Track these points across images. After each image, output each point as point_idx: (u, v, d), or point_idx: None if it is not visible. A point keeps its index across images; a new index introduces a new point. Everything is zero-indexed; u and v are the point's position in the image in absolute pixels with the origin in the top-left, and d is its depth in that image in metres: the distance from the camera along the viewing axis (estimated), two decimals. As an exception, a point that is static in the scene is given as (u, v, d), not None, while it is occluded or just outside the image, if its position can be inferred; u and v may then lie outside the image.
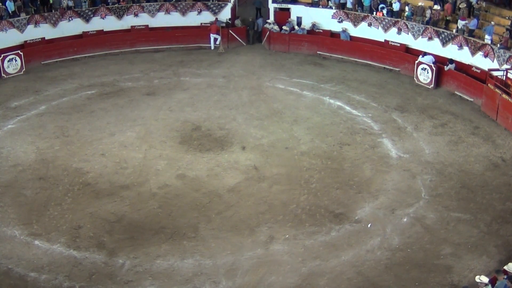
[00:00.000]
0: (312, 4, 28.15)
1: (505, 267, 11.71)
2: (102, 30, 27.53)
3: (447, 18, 24.40)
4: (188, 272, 12.91)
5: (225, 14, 28.83)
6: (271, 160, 17.66)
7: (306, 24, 27.97)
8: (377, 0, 26.40)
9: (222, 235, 14.18)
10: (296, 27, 28.07)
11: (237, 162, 17.51)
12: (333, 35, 27.60)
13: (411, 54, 25.12)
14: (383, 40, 26.26)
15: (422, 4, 25.14)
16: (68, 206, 15.24)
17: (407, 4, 25.69)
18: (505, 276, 11.23)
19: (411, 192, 16.07)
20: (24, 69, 24.70)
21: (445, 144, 18.75)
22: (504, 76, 20.62)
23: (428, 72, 23.54)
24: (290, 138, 19.06)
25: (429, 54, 24.08)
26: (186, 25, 28.60)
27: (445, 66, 23.37)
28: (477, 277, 11.44)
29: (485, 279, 11.26)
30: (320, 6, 27.89)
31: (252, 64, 26.12)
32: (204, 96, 22.48)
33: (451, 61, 23.40)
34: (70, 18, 26.86)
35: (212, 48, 28.07)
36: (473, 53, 22.89)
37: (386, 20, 26.04)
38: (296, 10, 28.45)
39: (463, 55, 23.37)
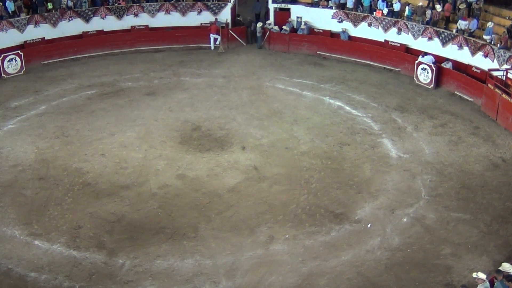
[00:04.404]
0: (312, 4, 28.18)
1: (500, 268, 11.67)
2: (102, 30, 27.55)
3: (447, 15, 24.45)
4: (188, 272, 12.90)
5: (225, 14, 28.84)
6: (271, 160, 17.66)
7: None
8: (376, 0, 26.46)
9: (222, 235, 14.18)
10: (302, 23, 28.04)
11: (237, 162, 17.51)
12: (333, 35, 27.63)
13: (411, 54, 25.14)
14: (383, 40, 26.27)
15: (423, 5, 25.15)
16: (68, 206, 15.24)
17: (408, 4, 25.70)
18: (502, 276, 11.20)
19: (411, 192, 16.07)
20: (24, 69, 24.70)
21: (445, 144, 18.75)
22: (504, 76, 20.62)
23: (428, 72, 23.55)
24: (290, 138, 19.06)
25: (429, 54, 24.11)
26: (186, 25, 28.61)
27: (443, 64, 23.52)
28: (474, 273, 11.41)
29: (482, 276, 11.24)
30: (320, 6, 27.91)
31: (252, 64, 26.13)
32: (204, 96, 22.48)
33: (448, 60, 23.60)
34: (70, 18, 26.88)
35: (212, 48, 28.08)
36: (473, 53, 22.90)
37: (386, 20, 26.05)
38: (296, 10, 28.47)
39: (463, 55, 23.39)
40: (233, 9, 29.29)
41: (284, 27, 27.99)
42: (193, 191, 16.00)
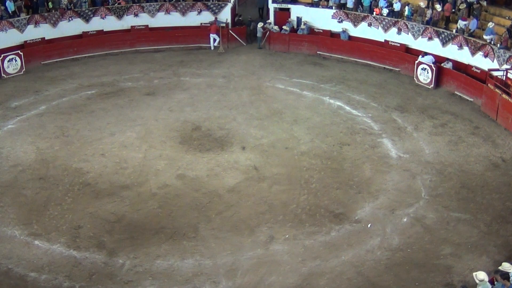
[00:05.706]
0: (312, 4, 28.18)
1: (500, 267, 11.65)
2: (102, 30, 27.56)
3: (447, 15, 24.47)
4: (188, 272, 12.90)
5: (225, 14, 28.85)
6: (271, 160, 17.65)
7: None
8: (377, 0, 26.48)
9: (222, 235, 14.18)
10: (302, 23, 28.03)
11: (237, 162, 17.51)
12: (333, 35, 27.63)
13: (411, 54, 25.14)
14: (383, 40, 26.28)
15: (423, 5, 25.15)
16: (68, 206, 15.24)
17: (408, 4, 25.71)
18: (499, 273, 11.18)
19: (411, 192, 16.07)
20: (24, 69, 24.71)
21: (445, 144, 18.75)
22: (504, 76, 20.63)
23: (428, 72, 23.55)
24: (290, 138, 19.06)
25: (429, 54, 24.12)
26: (186, 25, 28.63)
27: (443, 64, 23.54)
28: (474, 273, 11.40)
29: (482, 275, 11.21)
30: (320, 6, 27.91)
31: (252, 64, 26.13)
32: (204, 96, 22.48)
33: (448, 60, 23.62)
34: (70, 18, 26.90)
35: (212, 48, 28.08)
36: (473, 53, 22.90)
37: (386, 20, 26.05)
38: (296, 10, 28.49)
39: (463, 55, 23.39)
40: (233, 9, 29.30)
41: (284, 27, 27.99)
42: (193, 191, 16.00)
